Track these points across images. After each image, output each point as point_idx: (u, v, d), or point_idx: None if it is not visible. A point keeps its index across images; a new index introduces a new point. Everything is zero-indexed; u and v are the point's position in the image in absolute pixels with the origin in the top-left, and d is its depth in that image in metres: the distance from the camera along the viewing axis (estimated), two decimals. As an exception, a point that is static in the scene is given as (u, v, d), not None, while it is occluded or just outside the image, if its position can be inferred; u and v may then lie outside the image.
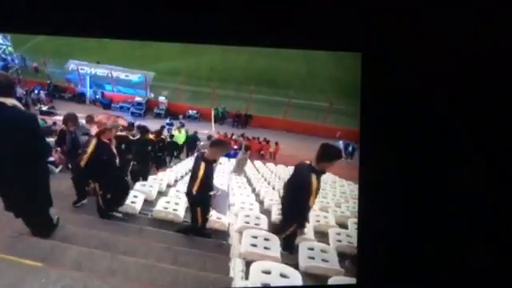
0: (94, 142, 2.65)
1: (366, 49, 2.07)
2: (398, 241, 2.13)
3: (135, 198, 3.15)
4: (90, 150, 2.63)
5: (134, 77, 10.40)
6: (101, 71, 10.10)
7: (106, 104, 9.42)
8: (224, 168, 5.88)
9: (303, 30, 2.02)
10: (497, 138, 2.08)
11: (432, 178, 2.11)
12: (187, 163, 5.99)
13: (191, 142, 6.54)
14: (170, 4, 1.92)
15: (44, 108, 7.90)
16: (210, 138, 6.52)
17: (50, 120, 5.49)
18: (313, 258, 2.41)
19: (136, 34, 2.01)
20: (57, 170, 3.39)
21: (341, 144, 7.79)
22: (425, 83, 2.08)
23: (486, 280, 2.09)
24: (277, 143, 8.04)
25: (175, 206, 3.12)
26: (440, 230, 2.12)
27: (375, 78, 2.08)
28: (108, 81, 10.09)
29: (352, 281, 2.13)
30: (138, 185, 3.56)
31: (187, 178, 4.67)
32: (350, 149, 7.92)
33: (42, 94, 8.41)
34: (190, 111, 9.99)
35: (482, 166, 2.09)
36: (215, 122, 8.96)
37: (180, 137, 6.40)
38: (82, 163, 2.63)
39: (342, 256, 2.50)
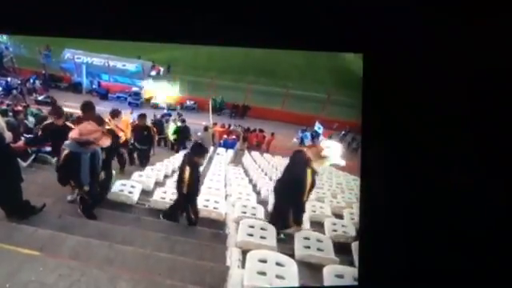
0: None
1: (368, 49, 2.06)
2: (398, 239, 2.14)
3: (132, 188, 3.16)
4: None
5: (132, 66, 10.28)
6: (97, 60, 9.97)
7: (103, 94, 9.33)
8: (221, 159, 5.89)
9: (305, 31, 2.00)
10: (497, 135, 2.08)
11: (432, 176, 2.12)
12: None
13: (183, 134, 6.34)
14: (169, 4, 1.88)
15: (40, 98, 7.83)
16: (206, 128, 6.47)
17: (45, 110, 5.43)
18: (308, 247, 2.44)
19: (134, 36, 1.97)
20: (24, 164, 3.19)
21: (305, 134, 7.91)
22: (425, 82, 2.07)
23: (487, 277, 2.12)
24: (273, 134, 8.05)
25: (172, 196, 3.13)
26: (440, 226, 2.13)
27: (377, 78, 2.07)
28: (104, 70, 9.97)
29: (353, 276, 2.15)
30: (136, 175, 3.56)
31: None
32: (309, 136, 7.99)
33: (38, 83, 8.31)
34: (188, 101, 9.93)
35: (482, 161, 2.10)
36: (213, 112, 8.92)
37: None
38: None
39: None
